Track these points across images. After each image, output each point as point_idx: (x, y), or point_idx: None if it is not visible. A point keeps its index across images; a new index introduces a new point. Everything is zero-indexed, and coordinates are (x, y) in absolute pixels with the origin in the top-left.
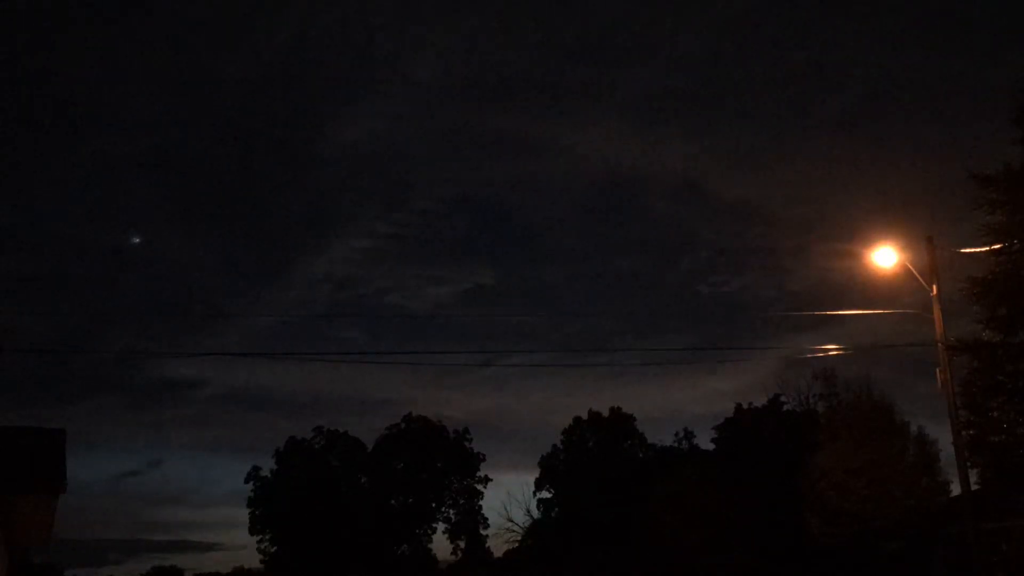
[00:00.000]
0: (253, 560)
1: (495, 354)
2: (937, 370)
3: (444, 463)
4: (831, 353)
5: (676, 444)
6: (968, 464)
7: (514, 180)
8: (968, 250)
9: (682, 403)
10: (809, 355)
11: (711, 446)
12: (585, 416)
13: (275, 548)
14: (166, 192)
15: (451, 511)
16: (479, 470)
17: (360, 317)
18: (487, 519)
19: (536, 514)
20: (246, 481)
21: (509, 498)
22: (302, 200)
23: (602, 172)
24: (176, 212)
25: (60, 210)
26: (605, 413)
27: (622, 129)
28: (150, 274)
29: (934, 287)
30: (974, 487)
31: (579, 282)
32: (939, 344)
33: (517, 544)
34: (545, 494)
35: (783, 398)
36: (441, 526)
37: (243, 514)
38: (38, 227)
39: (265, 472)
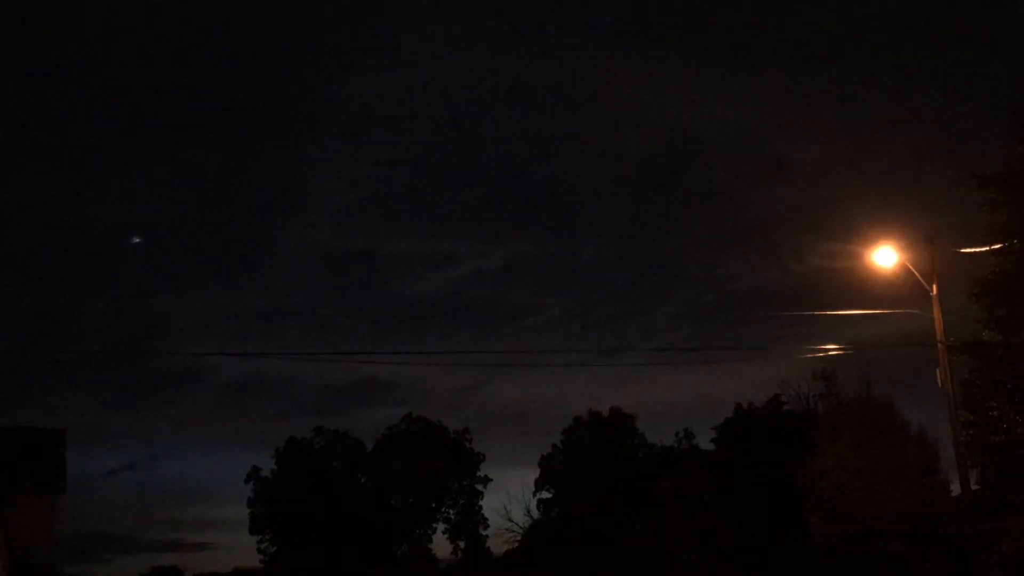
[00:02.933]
0: (253, 560)
1: (494, 354)
2: (937, 370)
3: (444, 463)
4: (831, 353)
5: (676, 444)
6: (968, 464)
7: (548, 141)
8: (968, 250)
9: (682, 403)
10: (809, 355)
11: (711, 446)
12: (585, 416)
13: (275, 548)
14: (157, 167)
15: (451, 511)
16: (479, 470)
17: (360, 308)
18: (487, 519)
19: (536, 514)
20: (246, 481)
21: (509, 498)
22: (305, 165)
23: (652, 132)
24: (172, 198)
25: (47, 198)
26: (605, 413)
27: (684, 84)
28: (145, 260)
29: (934, 287)
30: (974, 487)
31: (609, 262)
32: (939, 344)
33: (517, 544)
34: (545, 494)
35: (783, 398)
36: (441, 526)
37: (243, 514)
38: (30, 214)
39: (265, 472)
